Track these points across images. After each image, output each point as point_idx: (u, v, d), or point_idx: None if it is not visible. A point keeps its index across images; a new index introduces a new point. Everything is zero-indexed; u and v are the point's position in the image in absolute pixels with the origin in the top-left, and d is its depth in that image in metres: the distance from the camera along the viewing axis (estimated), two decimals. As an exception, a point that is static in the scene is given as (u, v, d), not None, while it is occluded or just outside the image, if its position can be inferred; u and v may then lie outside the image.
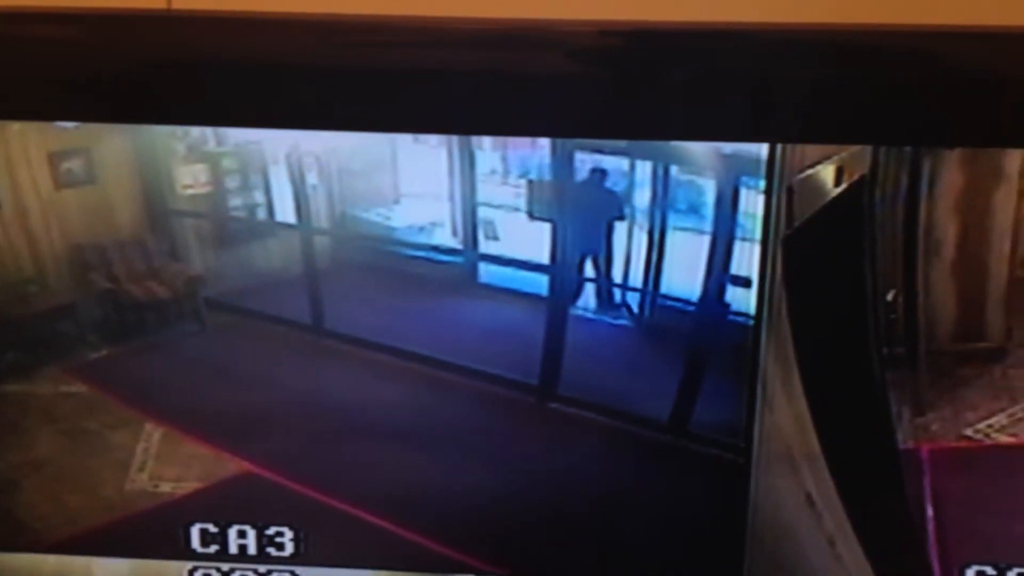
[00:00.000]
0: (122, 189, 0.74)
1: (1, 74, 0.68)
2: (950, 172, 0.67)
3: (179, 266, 0.75)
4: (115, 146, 0.72)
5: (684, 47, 0.66)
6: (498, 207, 0.72)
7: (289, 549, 0.79)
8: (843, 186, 0.68)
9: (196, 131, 0.72)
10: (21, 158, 0.73)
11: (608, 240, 0.72)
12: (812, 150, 0.68)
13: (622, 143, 0.69)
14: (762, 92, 0.67)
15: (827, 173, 0.68)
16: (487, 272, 0.74)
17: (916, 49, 0.65)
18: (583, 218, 0.71)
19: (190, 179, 0.73)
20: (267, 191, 0.74)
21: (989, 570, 0.74)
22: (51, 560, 0.81)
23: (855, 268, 0.69)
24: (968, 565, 0.74)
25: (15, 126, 0.72)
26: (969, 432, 0.72)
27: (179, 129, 0.72)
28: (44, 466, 0.79)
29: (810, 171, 0.68)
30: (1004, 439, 0.72)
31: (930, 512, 0.73)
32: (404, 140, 0.71)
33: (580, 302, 0.73)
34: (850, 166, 0.68)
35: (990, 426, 0.72)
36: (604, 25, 0.66)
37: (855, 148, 0.67)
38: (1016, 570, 0.74)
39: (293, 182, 0.73)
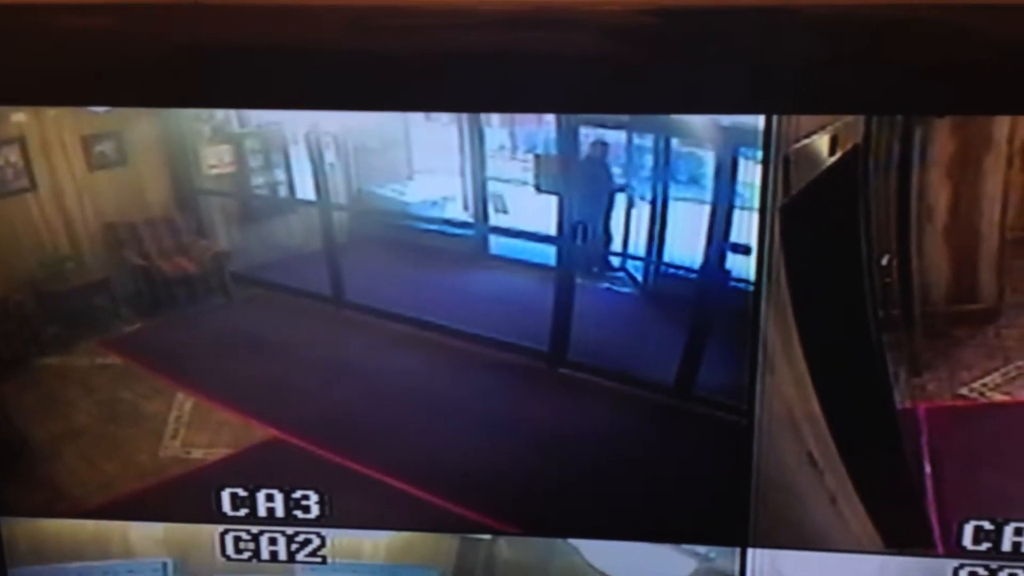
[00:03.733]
0: (152, 170, 0.77)
1: (37, 62, 0.72)
2: (941, 139, 0.69)
3: (206, 242, 0.78)
4: (144, 129, 0.75)
5: (682, 24, 0.68)
6: (507, 181, 0.75)
7: (315, 512, 0.82)
8: (838, 155, 0.70)
9: (220, 114, 0.75)
10: (56, 142, 0.76)
11: (613, 211, 0.74)
12: (807, 121, 0.70)
13: (624, 118, 0.72)
14: (759, 66, 0.69)
15: (822, 143, 0.70)
16: (497, 244, 0.76)
17: (905, 20, 0.67)
18: (588, 190, 0.74)
19: (215, 160, 0.76)
20: (288, 170, 0.77)
21: (987, 524, 0.76)
22: (89, 525, 0.84)
23: (851, 234, 0.71)
24: (966, 520, 0.76)
25: (50, 111, 0.75)
26: (964, 391, 0.73)
27: (204, 112, 0.75)
28: (82, 435, 0.82)
29: (806, 141, 0.70)
30: (998, 397, 0.73)
31: (928, 469, 0.75)
32: (416, 119, 0.73)
33: (586, 271, 0.76)
34: (844, 135, 0.70)
35: (984, 385, 0.73)
36: (607, 5, 0.69)
37: (848, 118, 0.69)
38: (1013, 524, 0.76)
39: (312, 161, 0.76)
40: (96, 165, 0.77)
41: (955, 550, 0.77)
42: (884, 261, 0.72)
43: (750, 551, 0.79)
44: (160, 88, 0.72)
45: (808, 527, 0.77)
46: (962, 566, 0.77)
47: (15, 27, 0.71)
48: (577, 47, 0.69)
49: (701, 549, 0.80)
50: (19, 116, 0.75)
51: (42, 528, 0.84)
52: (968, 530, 0.76)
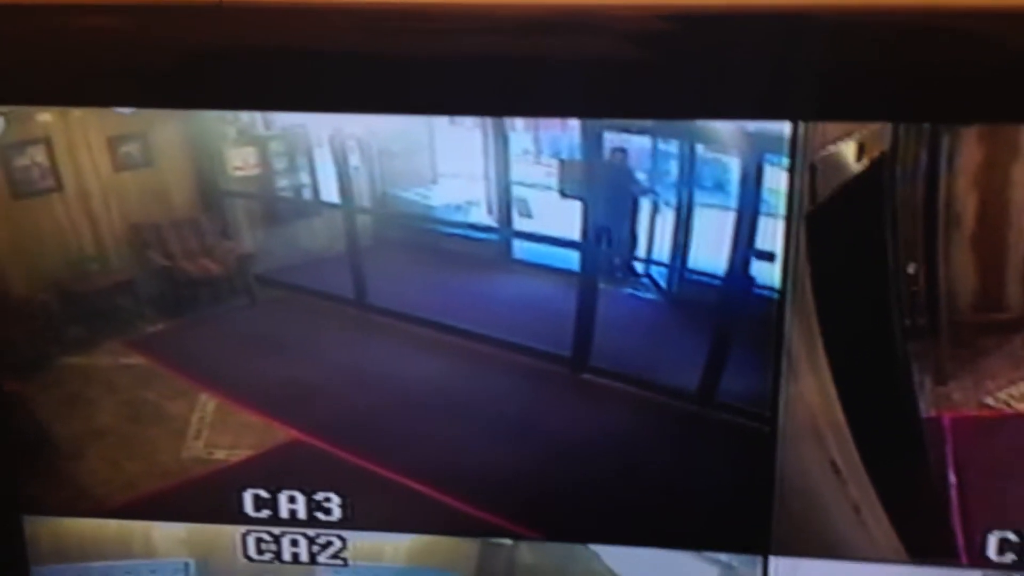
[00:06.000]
0: (177, 171, 0.77)
1: (63, 63, 0.72)
2: (968, 148, 0.69)
3: (230, 244, 0.79)
4: (170, 131, 0.76)
5: (707, 29, 0.68)
6: (531, 186, 0.75)
7: (336, 514, 0.82)
8: (864, 162, 0.70)
9: (245, 116, 0.75)
10: (82, 143, 0.76)
11: (637, 217, 0.74)
12: (834, 128, 0.69)
13: (649, 123, 0.72)
14: (785, 72, 0.68)
15: (849, 150, 0.70)
16: (521, 248, 0.77)
17: (932, 28, 0.67)
18: (613, 196, 0.74)
19: (240, 162, 0.77)
20: (312, 172, 0.77)
21: (1011, 535, 0.75)
22: (112, 525, 0.85)
23: (877, 242, 0.71)
24: (990, 530, 0.75)
25: (76, 112, 0.75)
26: (990, 401, 0.73)
27: (229, 114, 0.75)
28: (105, 435, 0.82)
29: (832, 148, 0.70)
30: (1024, 407, 0.73)
31: (952, 479, 0.74)
32: (441, 123, 0.73)
33: (610, 276, 0.76)
34: (871, 143, 0.69)
35: (1010, 395, 0.73)
36: (632, 10, 0.68)
37: (876, 125, 0.69)
38: (1038, 536, 0.76)
39: (337, 164, 0.76)
40: (121, 166, 0.77)
41: (979, 561, 0.76)
42: (910, 269, 0.71)
43: (772, 559, 0.78)
44: (181, 90, 0.73)
45: (831, 536, 0.77)
46: (985, 576, 0.77)
47: (39, 27, 0.72)
48: (602, 52, 0.69)
49: (723, 557, 0.79)
50: (45, 116, 0.76)
51: (65, 527, 0.85)
52: (992, 541, 0.76)
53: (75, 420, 0.82)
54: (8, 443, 0.83)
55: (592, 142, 0.72)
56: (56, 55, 0.72)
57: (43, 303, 0.80)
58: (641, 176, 0.73)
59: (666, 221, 0.74)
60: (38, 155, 0.77)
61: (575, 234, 0.75)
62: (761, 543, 0.78)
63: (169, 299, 0.80)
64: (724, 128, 0.71)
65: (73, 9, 0.72)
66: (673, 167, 0.72)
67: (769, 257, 0.72)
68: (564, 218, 0.74)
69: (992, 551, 0.76)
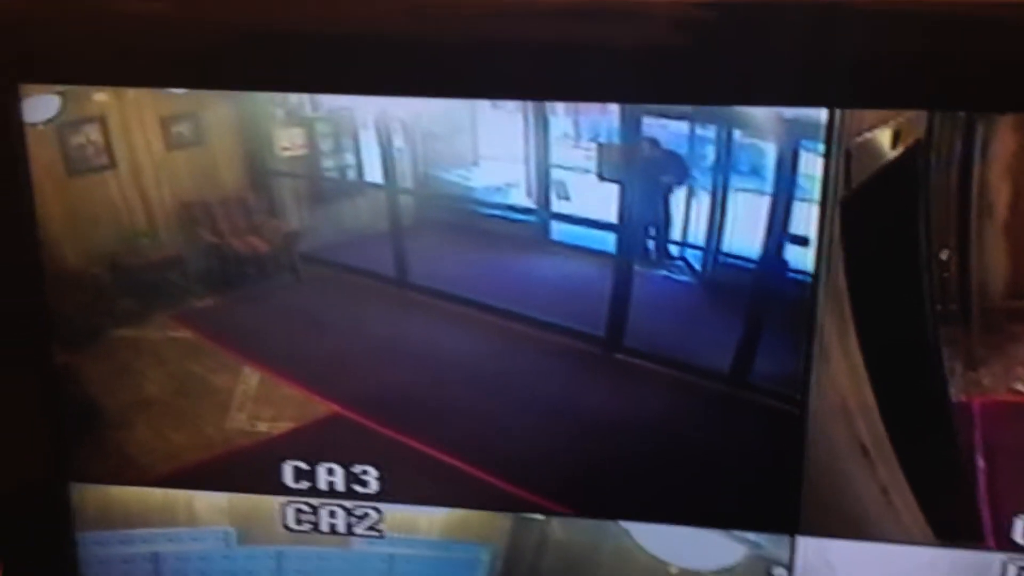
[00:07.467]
0: (226, 151, 0.79)
1: (118, 45, 0.74)
2: (1003, 136, 0.69)
3: (277, 222, 0.80)
4: (220, 111, 0.78)
5: (746, 17, 0.69)
6: (569, 169, 0.76)
7: (374, 487, 0.84)
8: (899, 149, 0.71)
9: (293, 98, 0.77)
10: (136, 122, 0.78)
11: (673, 200, 0.75)
12: (870, 115, 0.70)
13: (687, 109, 0.73)
14: (822, 59, 0.69)
15: (884, 137, 0.71)
16: (559, 230, 0.78)
17: (969, 16, 0.67)
18: (649, 179, 0.75)
19: (288, 142, 0.78)
20: (357, 153, 0.78)
21: (1038, 520, 0.77)
22: (157, 493, 0.87)
23: (910, 228, 0.72)
24: (1017, 514, 0.76)
25: (130, 93, 0.77)
26: (1019, 386, 0.74)
27: (278, 96, 0.77)
28: (152, 406, 0.84)
29: (868, 135, 0.71)
30: (1054, 394, 0.74)
31: (981, 463, 0.75)
32: (483, 106, 0.75)
33: (645, 259, 0.77)
34: (906, 130, 0.70)
35: (1040, 381, 0.74)
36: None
37: (911, 113, 0.70)
38: (1065, 521, 0.76)
39: (381, 145, 0.78)
40: (173, 145, 0.79)
41: (1006, 544, 0.77)
42: (943, 256, 0.72)
43: (800, 539, 0.79)
44: (231, 72, 0.75)
45: (858, 517, 0.78)
46: (1011, 560, 0.77)
47: (95, 9, 0.74)
48: (643, 39, 0.70)
49: (751, 536, 0.81)
50: (100, 96, 0.78)
51: (111, 495, 0.87)
52: (1020, 525, 0.76)
53: (123, 391, 0.84)
54: (58, 412, 0.85)
55: (630, 127, 0.74)
56: (111, 36, 0.74)
57: (95, 277, 0.82)
58: (678, 161, 0.74)
59: (702, 205, 0.75)
60: (93, 133, 0.79)
61: (612, 217, 0.76)
62: (789, 523, 0.79)
63: (217, 275, 0.81)
64: (761, 114, 0.72)
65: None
66: (710, 152, 0.74)
67: (803, 242, 0.73)
68: (601, 201, 0.76)
69: (1019, 535, 0.77)
